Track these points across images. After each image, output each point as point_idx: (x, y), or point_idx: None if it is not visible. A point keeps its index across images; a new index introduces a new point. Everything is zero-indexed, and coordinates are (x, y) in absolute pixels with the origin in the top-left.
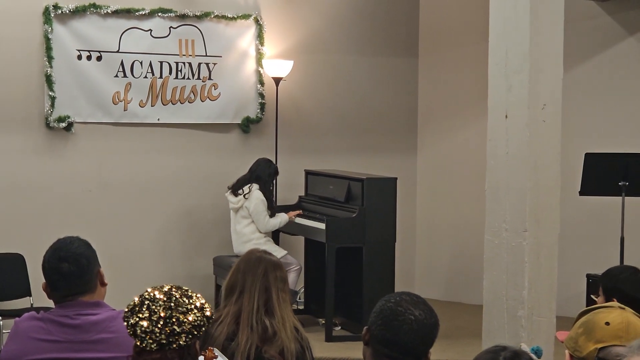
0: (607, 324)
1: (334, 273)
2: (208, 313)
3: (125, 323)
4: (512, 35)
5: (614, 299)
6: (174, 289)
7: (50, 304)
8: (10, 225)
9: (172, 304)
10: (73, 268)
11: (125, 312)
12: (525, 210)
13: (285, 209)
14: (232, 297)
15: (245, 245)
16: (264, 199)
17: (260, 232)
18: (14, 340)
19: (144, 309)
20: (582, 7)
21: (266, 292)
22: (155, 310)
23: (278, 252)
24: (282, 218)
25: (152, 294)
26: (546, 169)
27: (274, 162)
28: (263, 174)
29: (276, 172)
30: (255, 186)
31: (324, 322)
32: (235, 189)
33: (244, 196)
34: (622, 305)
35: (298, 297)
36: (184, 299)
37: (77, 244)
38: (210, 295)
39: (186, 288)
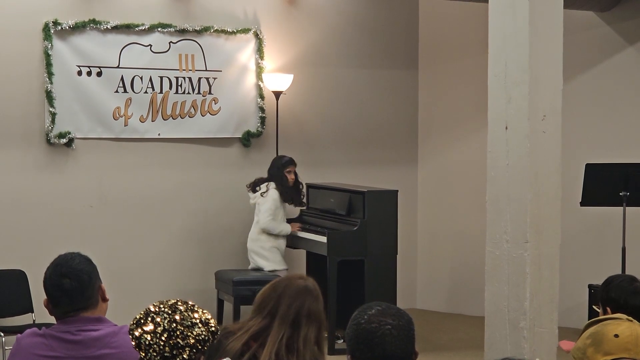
0: (616, 336)
1: (335, 286)
2: (213, 328)
3: (130, 335)
4: (512, 47)
5: (608, 309)
6: (179, 303)
7: (53, 320)
8: (12, 241)
9: (177, 317)
10: (74, 284)
11: (131, 324)
12: (526, 221)
13: (287, 222)
14: (259, 315)
15: (251, 244)
16: (279, 198)
17: (268, 235)
18: (16, 356)
19: (148, 321)
20: (581, 17)
21: (296, 327)
22: (160, 323)
23: (279, 265)
24: (284, 228)
25: (157, 307)
26: (547, 179)
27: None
28: (275, 170)
29: (288, 163)
30: (272, 185)
31: (326, 335)
32: (253, 186)
33: (261, 194)
34: (630, 318)
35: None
36: (189, 313)
37: (78, 260)
38: (212, 310)
39: (192, 303)
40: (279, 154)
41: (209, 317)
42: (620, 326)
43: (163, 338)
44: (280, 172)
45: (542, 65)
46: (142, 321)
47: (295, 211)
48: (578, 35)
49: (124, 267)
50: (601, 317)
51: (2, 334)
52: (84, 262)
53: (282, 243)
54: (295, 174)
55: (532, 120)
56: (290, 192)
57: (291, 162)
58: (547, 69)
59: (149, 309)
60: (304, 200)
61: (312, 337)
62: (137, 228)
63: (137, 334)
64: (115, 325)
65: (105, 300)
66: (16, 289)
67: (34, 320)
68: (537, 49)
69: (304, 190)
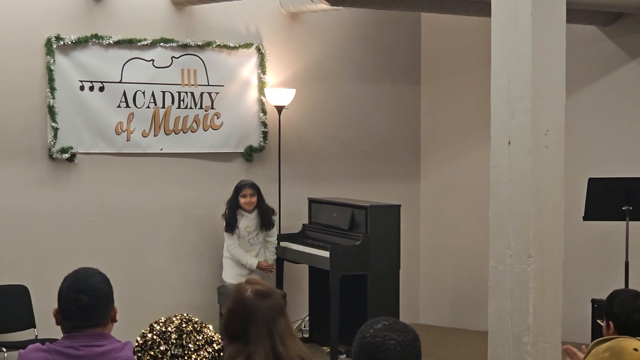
0: (636, 350)
1: (338, 301)
2: (217, 347)
3: (136, 358)
4: (514, 62)
5: (611, 323)
6: (184, 323)
7: (55, 334)
8: (14, 257)
9: (184, 342)
10: (91, 301)
11: (136, 346)
12: (529, 236)
13: (289, 237)
14: (236, 342)
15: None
16: (225, 228)
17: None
18: None
19: (155, 347)
20: (584, 31)
21: (270, 338)
22: (167, 348)
23: (228, 278)
24: (248, 261)
25: (163, 330)
26: (550, 194)
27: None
28: (231, 195)
29: (241, 187)
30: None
31: (328, 350)
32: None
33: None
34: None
35: (302, 325)
36: (195, 335)
37: (98, 279)
38: (214, 325)
39: (196, 320)
40: (280, 169)
41: (214, 334)
42: (638, 342)
43: None
44: (234, 198)
45: (545, 80)
46: (149, 345)
47: (297, 226)
48: (580, 49)
49: (126, 282)
50: (607, 336)
51: (4, 350)
52: (103, 282)
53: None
54: (259, 197)
55: (535, 135)
56: (230, 217)
57: (244, 187)
58: (549, 84)
59: (154, 331)
60: (274, 223)
61: (285, 329)
62: (139, 243)
63: (144, 359)
64: (119, 341)
65: (114, 321)
66: (19, 305)
67: (36, 336)
68: (539, 64)
69: (275, 211)
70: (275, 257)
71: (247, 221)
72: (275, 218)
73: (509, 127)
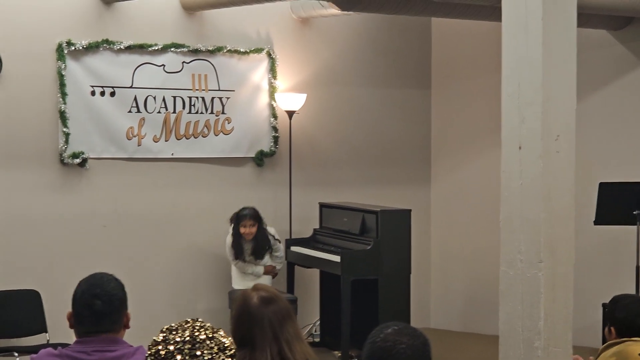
0: None
1: (349, 305)
2: (230, 353)
3: None
4: (525, 67)
5: (612, 329)
6: (196, 331)
7: (67, 339)
8: (26, 262)
9: (198, 352)
10: (105, 307)
11: (149, 356)
12: (540, 241)
13: (300, 242)
14: (244, 348)
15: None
16: (229, 244)
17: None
18: None
19: (168, 356)
20: (595, 36)
21: (277, 342)
22: (182, 359)
23: (234, 284)
24: (254, 269)
25: (177, 340)
26: (560, 199)
27: (289, 198)
28: (234, 220)
29: (242, 218)
30: (232, 229)
31: (340, 354)
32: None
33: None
34: None
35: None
36: (208, 342)
37: (113, 284)
38: (226, 329)
39: (208, 325)
40: (291, 173)
41: (226, 340)
42: None
43: None
44: (235, 227)
45: (556, 85)
46: (162, 355)
47: (308, 230)
48: (591, 54)
49: (137, 287)
50: (616, 340)
51: (16, 354)
52: (118, 288)
53: (237, 282)
54: (260, 228)
55: (545, 140)
56: (236, 246)
57: (245, 217)
58: (560, 89)
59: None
60: (272, 252)
61: (292, 333)
62: (150, 247)
63: None
64: (131, 346)
65: (127, 327)
66: (30, 309)
67: (47, 341)
68: (550, 69)
69: (274, 243)
70: (280, 266)
71: (248, 247)
72: (280, 246)
73: (520, 132)
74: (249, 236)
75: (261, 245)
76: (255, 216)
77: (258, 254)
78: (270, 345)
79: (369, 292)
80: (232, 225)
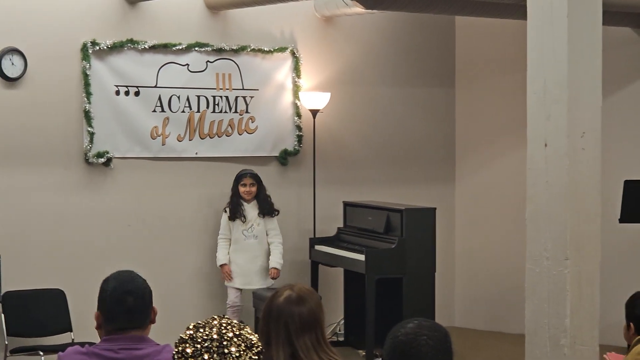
0: None
1: (374, 304)
2: (257, 350)
3: None
4: (550, 64)
5: (632, 324)
6: (223, 328)
7: (92, 338)
8: (51, 261)
9: (225, 350)
10: (137, 302)
11: (176, 353)
12: (565, 238)
13: (324, 240)
14: (265, 346)
15: None
16: (225, 217)
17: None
18: None
19: (197, 356)
20: (619, 33)
21: (290, 344)
22: (209, 358)
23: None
24: (218, 256)
25: (204, 338)
26: (586, 196)
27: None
28: (232, 186)
29: (241, 177)
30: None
31: (364, 353)
32: None
33: None
34: None
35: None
36: (235, 340)
37: (140, 280)
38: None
39: (235, 322)
40: (315, 172)
41: (253, 338)
42: None
43: None
44: (235, 187)
45: (581, 82)
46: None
47: (332, 229)
48: (616, 51)
49: (162, 286)
50: None
51: (41, 353)
52: (145, 283)
53: (235, 257)
54: (259, 187)
55: (571, 138)
56: (234, 206)
57: (244, 176)
58: (586, 86)
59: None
60: (276, 211)
61: (310, 344)
62: (174, 247)
63: None
64: (158, 344)
65: (153, 322)
66: (55, 308)
67: (72, 340)
68: (576, 66)
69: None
70: (282, 260)
71: (249, 209)
72: (276, 214)
73: (545, 130)
74: (249, 195)
75: (266, 202)
76: (255, 176)
77: (266, 210)
78: (283, 346)
79: (394, 290)
80: (232, 186)
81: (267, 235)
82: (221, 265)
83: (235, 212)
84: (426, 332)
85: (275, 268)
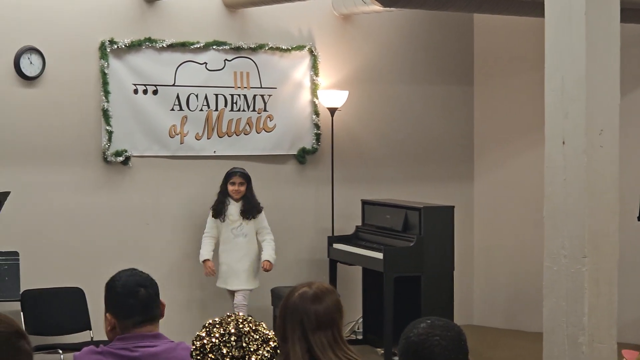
0: None
1: (392, 302)
2: (274, 344)
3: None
4: (568, 62)
5: None
6: (240, 324)
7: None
8: (70, 260)
9: (243, 344)
10: (150, 292)
11: (194, 349)
12: (584, 236)
13: (342, 239)
14: (282, 342)
15: None
16: (210, 215)
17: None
18: None
19: (214, 350)
20: (637, 31)
21: (306, 341)
22: (228, 351)
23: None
24: (203, 252)
25: (222, 333)
26: (604, 194)
27: (331, 195)
28: (221, 185)
29: (230, 175)
30: None
31: (382, 352)
32: None
33: None
34: None
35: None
36: (252, 335)
37: (145, 273)
38: (268, 326)
39: (251, 318)
40: (333, 171)
41: (269, 332)
42: None
43: None
44: (223, 185)
45: (599, 79)
46: (208, 348)
47: (350, 228)
48: (634, 49)
49: (180, 283)
50: None
51: (60, 352)
52: (149, 276)
53: (224, 257)
54: (248, 187)
55: (589, 135)
56: (218, 204)
57: (234, 174)
58: (604, 84)
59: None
60: (260, 210)
61: (327, 342)
62: (193, 245)
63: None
64: (172, 341)
65: (162, 316)
66: (74, 307)
67: (91, 338)
68: (594, 64)
69: (261, 207)
70: (275, 255)
71: (232, 209)
72: (262, 214)
73: (563, 127)
74: (238, 194)
75: (252, 204)
76: (245, 175)
77: (247, 210)
78: (300, 341)
79: (412, 289)
80: (221, 184)
81: (258, 234)
82: (204, 261)
83: (218, 210)
84: (439, 332)
85: (267, 261)
